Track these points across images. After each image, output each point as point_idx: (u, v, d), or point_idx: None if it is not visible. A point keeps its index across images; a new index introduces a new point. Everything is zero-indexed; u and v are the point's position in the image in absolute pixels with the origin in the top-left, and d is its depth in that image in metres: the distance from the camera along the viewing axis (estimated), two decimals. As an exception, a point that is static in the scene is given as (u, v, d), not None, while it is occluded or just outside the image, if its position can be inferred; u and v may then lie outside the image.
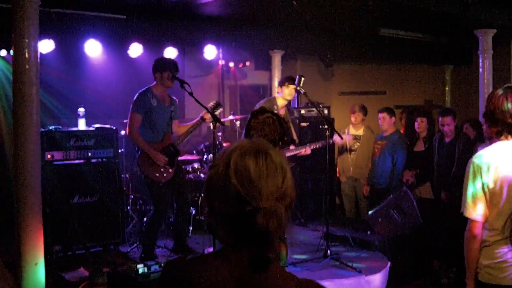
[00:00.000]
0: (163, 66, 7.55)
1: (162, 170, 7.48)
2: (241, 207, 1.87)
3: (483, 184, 3.73)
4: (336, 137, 8.41)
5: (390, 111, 9.51)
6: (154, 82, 7.60)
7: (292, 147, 8.30)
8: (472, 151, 6.59)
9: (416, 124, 9.16)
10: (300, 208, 9.73)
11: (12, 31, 6.03)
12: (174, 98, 7.88)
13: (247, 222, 1.87)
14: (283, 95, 8.52)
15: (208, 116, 7.56)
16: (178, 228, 7.95)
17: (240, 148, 1.96)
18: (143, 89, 7.55)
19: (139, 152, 7.48)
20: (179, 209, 7.84)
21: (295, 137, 8.78)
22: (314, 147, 8.42)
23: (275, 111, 7.56)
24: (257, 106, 7.79)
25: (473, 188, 3.76)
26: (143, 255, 7.54)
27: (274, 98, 8.68)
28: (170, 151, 7.60)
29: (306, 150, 8.40)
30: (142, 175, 7.54)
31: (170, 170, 7.56)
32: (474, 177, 3.75)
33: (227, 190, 1.90)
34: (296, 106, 10.81)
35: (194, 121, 7.75)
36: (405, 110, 12.28)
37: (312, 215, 10.05)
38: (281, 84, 8.60)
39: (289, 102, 8.94)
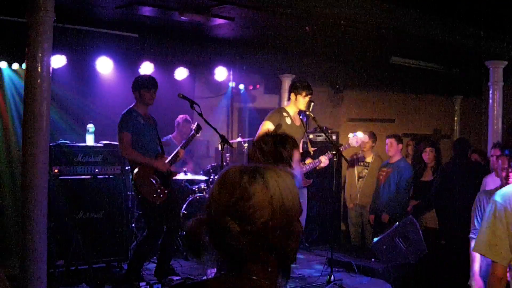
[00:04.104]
0: (140, 84, 7.44)
1: (158, 191, 7.32)
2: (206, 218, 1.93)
3: (508, 225, 3.64)
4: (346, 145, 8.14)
5: (398, 138, 9.52)
6: (135, 102, 7.48)
7: (308, 160, 7.64)
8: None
9: (425, 154, 9.14)
10: (305, 232, 9.69)
11: (26, 45, 6.07)
12: (154, 117, 7.75)
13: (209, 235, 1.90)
14: (296, 104, 7.64)
15: (182, 152, 7.61)
16: (164, 251, 7.67)
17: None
18: (126, 110, 7.40)
19: (134, 172, 7.28)
20: (168, 231, 7.59)
21: (310, 149, 7.93)
22: (331, 157, 7.62)
23: (288, 121, 7.55)
24: (266, 117, 7.62)
25: (498, 230, 3.65)
26: (127, 275, 7.35)
27: (283, 108, 7.86)
28: (163, 172, 7.47)
29: (324, 162, 7.57)
30: (138, 196, 7.39)
31: (166, 191, 7.42)
32: (499, 217, 3.65)
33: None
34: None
35: (172, 154, 7.66)
36: (413, 138, 12.27)
37: (317, 240, 10.01)
38: (297, 92, 7.60)
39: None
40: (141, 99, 7.43)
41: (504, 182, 5.42)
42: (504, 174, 5.54)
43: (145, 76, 7.98)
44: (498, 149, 6.76)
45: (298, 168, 4.74)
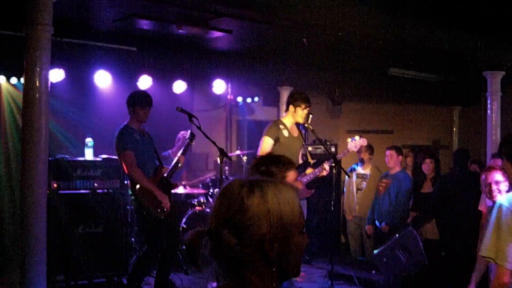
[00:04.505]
0: (135, 101, 7.41)
1: (162, 204, 7.27)
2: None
3: None
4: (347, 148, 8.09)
5: (398, 150, 9.50)
6: (129, 118, 7.44)
7: (309, 170, 7.51)
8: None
9: (425, 165, 9.12)
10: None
11: (24, 59, 6.06)
12: (149, 132, 7.70)
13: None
14: (294, 117, 7.54)
15: (182, 159, 7.57)
16: (164, 265, 7.60)
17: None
18: (120, 127, 7.34)
19: (137, 187, 7.21)
20: (168, 246, 7.54)
21: (310, 160, 7.74)
22: (331, 164, 7.45)
23: (286, 133, 7.54)
24: (264, 132, 7.60)
25: (503, 234, 3.65)
26: None
27: (279, 120, 7.71)
28: (164, 185, 7.44)
29: (325, 170, 7.39)
30: (142, 211, 7.27)
31: (169, 204, 7.38)
32: (505, 221, 3.64)
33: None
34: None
35: (172, 164, 7.65)
36: (411, 150, 12.26)
37: (317, 253, 9.98)
38: (296, 104, 7.49)
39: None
40: (136, 116, 7.39)
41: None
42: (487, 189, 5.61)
43: (140, 92, 7.91)
44: (498, 159, 6.77)
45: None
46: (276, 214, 1.91)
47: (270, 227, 1.90)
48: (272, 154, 4.97)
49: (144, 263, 7.43)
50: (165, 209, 7.28)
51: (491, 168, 5.81)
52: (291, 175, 4.35)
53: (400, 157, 9.51)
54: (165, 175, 7.52)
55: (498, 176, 5.64)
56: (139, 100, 7.43)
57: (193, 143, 7.79)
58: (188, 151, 7.90)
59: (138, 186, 7.21)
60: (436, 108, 14.50)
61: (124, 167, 7.31)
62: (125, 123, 7.40)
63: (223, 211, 1.92)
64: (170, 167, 7.58)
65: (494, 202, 5.55)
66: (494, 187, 5.63)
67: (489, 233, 3.75)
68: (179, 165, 7.66)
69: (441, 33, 8.90)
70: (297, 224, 1.97)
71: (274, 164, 4.28)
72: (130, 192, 7.35)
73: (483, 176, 5.80)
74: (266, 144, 7.38)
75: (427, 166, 9.09)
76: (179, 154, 7.75)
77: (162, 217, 7.27)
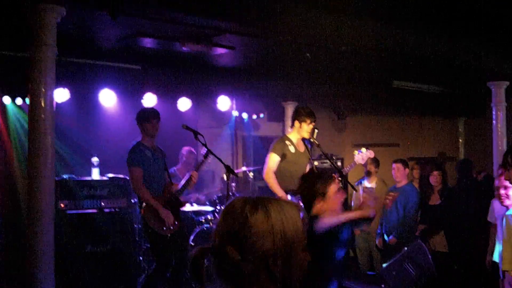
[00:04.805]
0: (141, 117, 7.47)
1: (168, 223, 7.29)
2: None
3: None
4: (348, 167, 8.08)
5: (404, 163, 9.47)
6: (141, 135, 7.47)
7: None
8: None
9: (433, 177, 9.10)
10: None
11: (28, 80, 6.08)
12: (161, 149, 7.74)
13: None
14: (300, 132, 7.63)
15: (195, 175, 7.54)
16: (173, 284, 7.57)
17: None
18: (133, 143, 7.40)
19: (143, 205, 7.24)
20: (177, 264, 7.50)
21: None
22: (338, 178, 7.21)
23: (292, 149, 7.53)
24: (270, 149, 7.62)
25: None
26: None
27: (286, 136, 7.81)
28: (173, 203, 7.43)
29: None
30: (147, 229, 7.29)
31: (176, 222, 7.37)
32: None
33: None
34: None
35: (184, 179, 7.64)
36: (418, 162, 12.23)
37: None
38: (301, 119, 7.59)
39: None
40: (145, 132, 7.44)
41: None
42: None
43: (145, 108, 7.99)
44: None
45: (336, 199, 4.96)
46: (279, 231, 1.94)
47: (274, 244, 1.92)
48: (314, 172, 5.24)
49: (153, 281, 7.40)
50: (171, 227, 7.27)
51: (503, 173, 5.86)
52: (333, 188, 4.75)
53: (407, 170, 9.49)
54: (178, 188, 7.54)
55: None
56: (144, 115, 7.49)
57: (208, 160, 7.76)
58: (202, 168, 7.89)
59: (144, 204, 7.22)
60: (441, 119, 14.50)
61: (131, 183, 7.37)
62: (138, 139, 7.46)
63: (227, 228, 1.95)
64: (182, 183, 7.58)
65: (503, 207, 5.58)
66: (502, 191, 5.69)
67: (505, 245, 3.76)
68: (192, 181, 7.63)
69: (444, 44, 8.90)
70: (300, 241, 2.00)
71: (317, 180, 4.67)
72: (138, 210, 7.37)
73: (496, 180, 5.89)
74: (272, 161, 7.45)
75: (435, 178, 9.06)
76: (193, 170, 7.73)
77: (168, 235, 7.26)
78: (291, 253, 1.95)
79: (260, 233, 1.92)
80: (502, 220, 3.81)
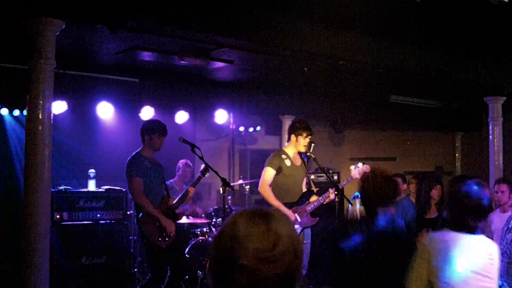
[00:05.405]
0: (152, 129, 7.43)
1: (164, 234, 7.23)
2: (228, 264, 1.90)
3: None
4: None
5: (403, 178, 9.52)
6: (142, 146, 7.44)
7: (313, 198, 7.65)
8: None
9: (435, 191, 9.10)
10: (309, 274, 9.59)
11: (27, 92, 6.08)
12: (158, 161, 7.71)
13: (230, 279, 1.88)
14: (296, 146, 7.62)
15: (192, 190, 7.53)
16: None
17: (243, 211, 2.01)
18: (133, 154, 7.36)
19: (140, 215, 7.21)
20: (172, 275, 7.45)
21: (314, 188, 7.78)
22: (334, 192, 7.24)
23: (288, 163, 7.57)
24: (266, 163, 7.66)
25: None
26: None
27: (282, 150, 7.81)
28: (169, 216, 7.38)
29: (330, 196, 7.47)
30: (143, 238, 7.30)
31: (171, 235, 7.31)
32: None
33: (220, 247, 1.94)
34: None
35: (181, 194, 7.62)
36: (414, 176, 12.23)
37: (322, 282, 9.91)
38: (297, 133, 7.58)
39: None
40: (151, 145, 7.40)
41: None
42: None
43: (158, 121, 7.85)
44: (501, 184, 6.88)
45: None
46: (289, 245, 1.93)
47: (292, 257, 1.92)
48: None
49: None
50: (167, 238, 7.26)
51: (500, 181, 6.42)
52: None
53: (405, 185, 9.53)
54: (173, 202, 7.52)
55: (503, 187, 6.46)
56: (159, 128, 7.45)
57: (206, 175, 7.75)
58: (199, 183, 7.89)
59: (141, 214, 7.20)
60: (438, 134, 14.54)
61: (131, 194, 7.34)
62: (138, 150, 7.42)
63: (266, 249, 1.91)
64: (178, 197, 7.57)
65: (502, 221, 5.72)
66: (499, 194, 6.35)
67: None
68: (188, 196, 7.63)
69: (442, 59, 8.94)
70: (301, 250, 1.99)
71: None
72: (134, 221, 7.35)
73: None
74: (268, 175, 7.49)
75: (437, 192, 9.07)
76: (190, 185, 7.73)
77: (164, 246, 7.23)
78: (295, 268, 1.95)
79: (290, 251, 1.93)
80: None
